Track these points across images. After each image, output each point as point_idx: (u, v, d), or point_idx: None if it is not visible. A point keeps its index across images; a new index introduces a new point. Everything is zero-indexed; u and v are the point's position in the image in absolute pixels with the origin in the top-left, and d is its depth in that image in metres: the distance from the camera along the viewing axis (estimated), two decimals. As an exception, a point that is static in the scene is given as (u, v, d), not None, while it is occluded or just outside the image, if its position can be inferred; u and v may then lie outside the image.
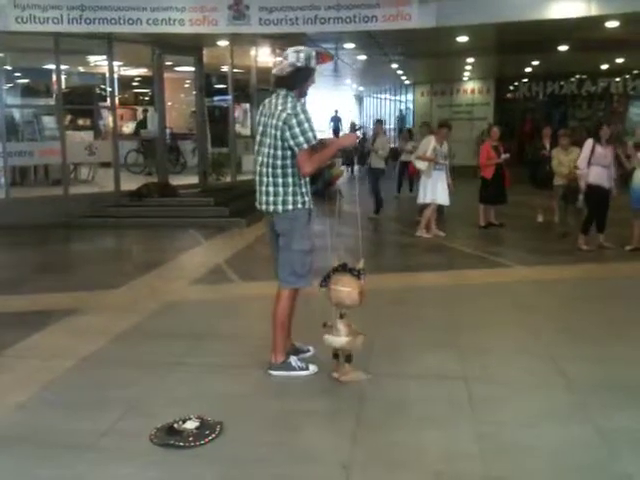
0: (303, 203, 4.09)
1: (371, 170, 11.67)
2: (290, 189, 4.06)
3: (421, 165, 9.68)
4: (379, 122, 13.32)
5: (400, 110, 29.07)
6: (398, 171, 15.38)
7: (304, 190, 4.10)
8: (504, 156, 10.37)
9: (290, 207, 4.06)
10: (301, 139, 3.93)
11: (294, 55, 4.03)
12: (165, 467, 3.14)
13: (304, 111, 3.97)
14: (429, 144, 9.61)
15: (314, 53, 4.07)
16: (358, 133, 4.69)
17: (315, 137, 3.98)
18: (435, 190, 9.57)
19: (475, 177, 11.19)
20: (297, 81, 4.05)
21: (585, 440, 3.40)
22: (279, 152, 4.02)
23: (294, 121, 3.92)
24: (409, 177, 15.15)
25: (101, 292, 6.56)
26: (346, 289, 3.96)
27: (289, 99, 4.02)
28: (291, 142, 3.95)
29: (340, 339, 4.01)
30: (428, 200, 9.63)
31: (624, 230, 8.76)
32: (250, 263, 8.12)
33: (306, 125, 3.93)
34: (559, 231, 9.59)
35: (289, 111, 3.95)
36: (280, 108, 4.00)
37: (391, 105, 29.62)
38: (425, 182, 9.66)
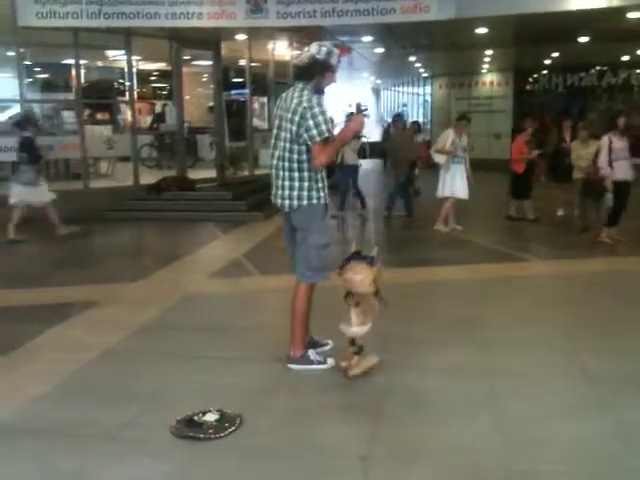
0: (318, 198, 4.07)
1: (344, 167, 10.67)
2: (306, 184, 4.05)
3: (439, 158, 9.60)
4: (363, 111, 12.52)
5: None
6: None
7: (320, 185, 4.08)
8: (535, 152, 10.28)
9: (305, 202, 4.06)
10: (314, 132, 3.91)
11: (316, 48, 4.03)
12: (185, 459, 3.17)
13: (319, 104, 3.96)
14: (448, 137, 9.53)
15: (337, 51, 4.05)
16: (365, 114, 4.59)
17: (329, 130, 3.95)
18: (454, 184, 9.50)
19: (493, 170, 11.11)
20: (314, 73, 4.02)
21: (605, 434, 3.37)
22: (295, 146, 4.01)
23: (309, 114, 3.91)
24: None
25: (121, 285, 6.62)
26: (358, 277, 3.94)
27: (305, 92, 4.00)
28: (305, 135, 3.94)
29: (350, 329, 4.01)
30: (447, 194, 9.57)
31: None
32: (268, 257, 8.13)
33: (320, 118, 3.91)
34: (579, 225, 9.50)
35: (305, 105, 3.93)
36: (296, 102, 3.98)
37: (409, 98, 29.46)
38: (444, 176, 9.59)
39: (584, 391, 3.94)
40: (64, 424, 3.54)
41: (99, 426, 3.49)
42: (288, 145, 4.02)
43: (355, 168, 10.96)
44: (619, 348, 4.63)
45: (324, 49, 4.02)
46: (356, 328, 3.99)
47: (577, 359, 4.43)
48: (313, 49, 4.04)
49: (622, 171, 8.32)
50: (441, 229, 9.59)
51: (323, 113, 3.94)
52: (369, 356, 4.12)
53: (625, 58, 19.00)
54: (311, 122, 3.90)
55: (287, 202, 4.11)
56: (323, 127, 3.92)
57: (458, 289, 6.43)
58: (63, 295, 6.27)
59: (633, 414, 3.57)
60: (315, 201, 4.07)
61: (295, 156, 4.02)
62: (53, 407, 3.76)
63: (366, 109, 4.55)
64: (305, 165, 4.03)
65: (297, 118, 3.94)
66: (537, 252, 8.13)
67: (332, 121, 4.13)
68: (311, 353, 4.28)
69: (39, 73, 15.11)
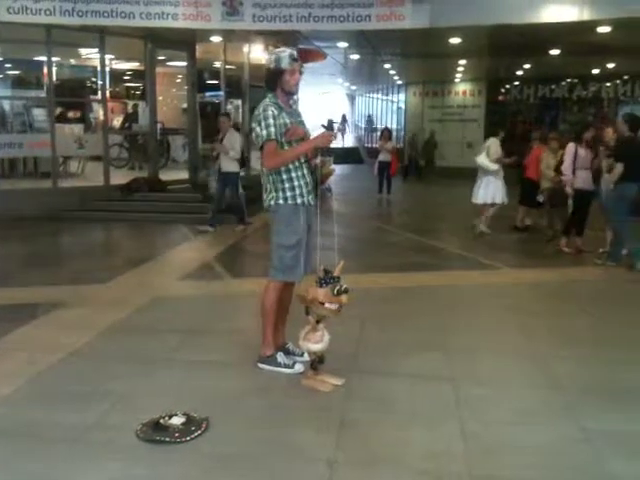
0: (285, 199, 4.14)
1: (222, 175, 10.01)
2: (270, 185, 4.17)
3: (494, 166, 9.88)
4: (226, 115, 10.85)
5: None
6: (378, 171, 15.36)
7: (286, 186, 4.13)
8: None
9: (272, 202, 4.17)
10: (264, 133, 4.03)
11: (268, 58, 4.23)
12: (150, 463, 3.14)
13: (265, 109, 4.06)
14: (497, 146, 9.93)
15: (286, 54, 4.10)
16: (336, 131, 4.53)
17: (270, 134, 4.01)
18: (498, 190, 9.93)
19: (464, 179, 11.21)
20: (273, 81, 4.16)
21: (570, 441, 3.43)
22: (258, 150, 4.19)
23: (258, 119, 4.06)
24: (388, 178, 15.16)
25: (89, 286, 6.54)
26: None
27: (264, 100, 4.15)
28: (258, 140, 4.08)
29: (301, 342, 4.03)
30: (489, 200, 9.94)
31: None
32: (239, 260, 8.12)
33: (269, 121, 4.02)
34: (546, 234, 9.64)
35: (255, 112, 4.14)
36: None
37: (383, 104, 29.68)
38: (488, 182, 9.91)
39: (549, 397, 3.99)
40: (29, 425, 3.48)
41: (64, 428, 3.44)
42: (258, 149, 4.18)
43: (235, 175, 10.11)
44: (583, 355, 4.71)
45: (272, 57, 4.17)
46: (304, 343, 4.00)
47: (542, 366, 4.49)
48: (267, 59, 4.23)
49: (583, 180, 8.47)
50: (485, 230, 9.98)
51: (267, 117, 4.02)
52: (331, 379, 4.04)
53: (595, 71, 19.35)
54: (257, 127, 4.06)
55: (264, 203, 4.25)
56: (272, 129, 4.02)
57: (428, 295, 6.48)
58: (30, 295, 6.18)
59: (597, 421, 3.63)
60: (281, 201, 4.14)
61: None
62: (18, 408, 3.70)
63: (339, 126, 4.48)
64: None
65: (253, 124, 4.14)
66: (506, 260, 8.22)
67: (285, 126, 4.10)
68: (279, 355, 4.29)
69: (10, 69, 14.87)
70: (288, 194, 4.14)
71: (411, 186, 19.03)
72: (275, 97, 4.15)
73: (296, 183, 4.15)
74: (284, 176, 4.13)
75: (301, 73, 4.25)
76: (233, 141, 9.90)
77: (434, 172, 21.02)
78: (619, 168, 7.59)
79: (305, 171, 4.20)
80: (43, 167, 12.57)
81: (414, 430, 3.50)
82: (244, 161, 10.50)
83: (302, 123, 4.31)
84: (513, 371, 4.46)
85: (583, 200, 8.53)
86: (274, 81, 4.15)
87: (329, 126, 4.24)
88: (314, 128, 4.58)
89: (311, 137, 4.24)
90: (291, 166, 4.13)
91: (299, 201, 4.15)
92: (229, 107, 15.03)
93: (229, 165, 9.95)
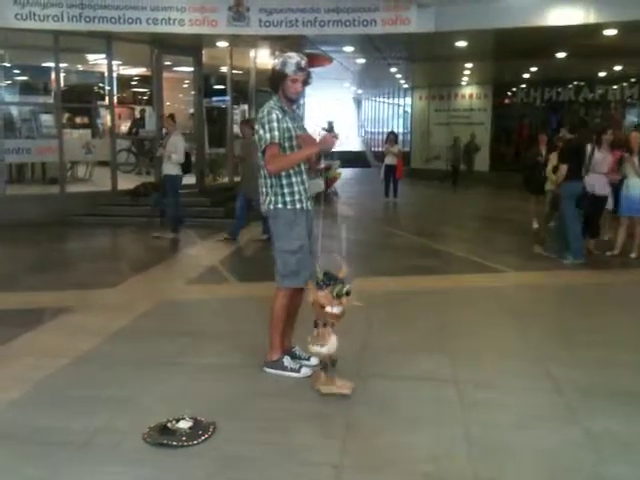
0: (284, 203, 4.14)
1: (165, 178, 10.01)
2: (271, 189, 4.16)
3: None
4: (171, 117, 10.31)
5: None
6: (384, 174, 15.34)
7: (286, 190, 4.14)
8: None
9: (271, 207, 4.17)
10: (268, 136, 4.03)
11: (275, 60, 4.21)
12: (158, 467, 3.15)
13: (269, 113, 4.07)
14: None
15: (293, 60, 4.08)
16: (337, 133, 4.45)
17: (274, 138, 4.01)
18: None
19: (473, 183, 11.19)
20: (276, 84, 4.16)
21: (573, 443, 3.42)
22: (259, 153, 4.17)
23: (262, 121, 4.07)
24: (394, 181, 15.14)
25: (96, 291, 6.57)
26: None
27: (269, 103, 4.17)
28: (261, 143, 4.07)
29: (310, 346, 3.98)
30: None
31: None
32: (246, 264, 8.13)
33: (272, 124, 4.02)
34: (538, 235, 9.53)
35: (259, 115, 4.15)
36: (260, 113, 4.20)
37: (389, 108, 29.68)
38: None
39: (552, 400, 3.99)
40: (35, 430, 3.50)
41: (71, 432, 3.46)
42: (260, 153, 4.16)
43: (178, 179, 10.02)
44: (586, 358, 4.71)
45: (279, 60, 4.15)
46: (313, 347, 3.97)
47: (546, 368, 4.48)
48: (274, 61, 4.21)
49: (595, 184, 8.33)
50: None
51: (271, 121, 4.03)
52: (345, 383, 4.00)
53: (602, 74, 19.30)
54: (261, 130, 4.06)
55: (263, 207, 4.25)
56: (276, 133, 4.02)
57: (432, 298, 6.47)
58: (37, 300, 6.21)
59: (600, 423, 3.63)
60: (280, 205, 4.14)
61: (262, 162, 4.17)
62: (24, 413, 3.72)
63: (335, 130, 4.38)
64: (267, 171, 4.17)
65: (257, 126, 4.14)
66: (511, 263, 8.20)
67: (288, 130, 4.12)
68: (286, 359, 4.30)
69: (18, 75, 14.96)
70: (287, 199, 4.14)
71: (420, 190, 19.02)
72: (279, 100, 4.16)
73: (296, 188, 4.16)
74: (284, 181, 4.13)
75: (308, 83, 4.25)
76: (176, 144, 9.77)
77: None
78: (563, 170, 7.87)
79: (305, 177, 4.22)
80: (51, 172, 12.65)
81: (418, 434, 3.51)
82: (189, 165, 10.43)
83: (303, 128, 4.32)
84: (517, 374, 4.45)
85: (597, 205, 8.42)
86: (276, 83, 4.15)
87: (330, 128, 4.23)
88: (313, 133, 4.59)
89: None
90: (291, 171, 4.14)
91: (298, 206, 4.16)
92: (236, 112, 15.08)
93: (170, 168, 9.87)
